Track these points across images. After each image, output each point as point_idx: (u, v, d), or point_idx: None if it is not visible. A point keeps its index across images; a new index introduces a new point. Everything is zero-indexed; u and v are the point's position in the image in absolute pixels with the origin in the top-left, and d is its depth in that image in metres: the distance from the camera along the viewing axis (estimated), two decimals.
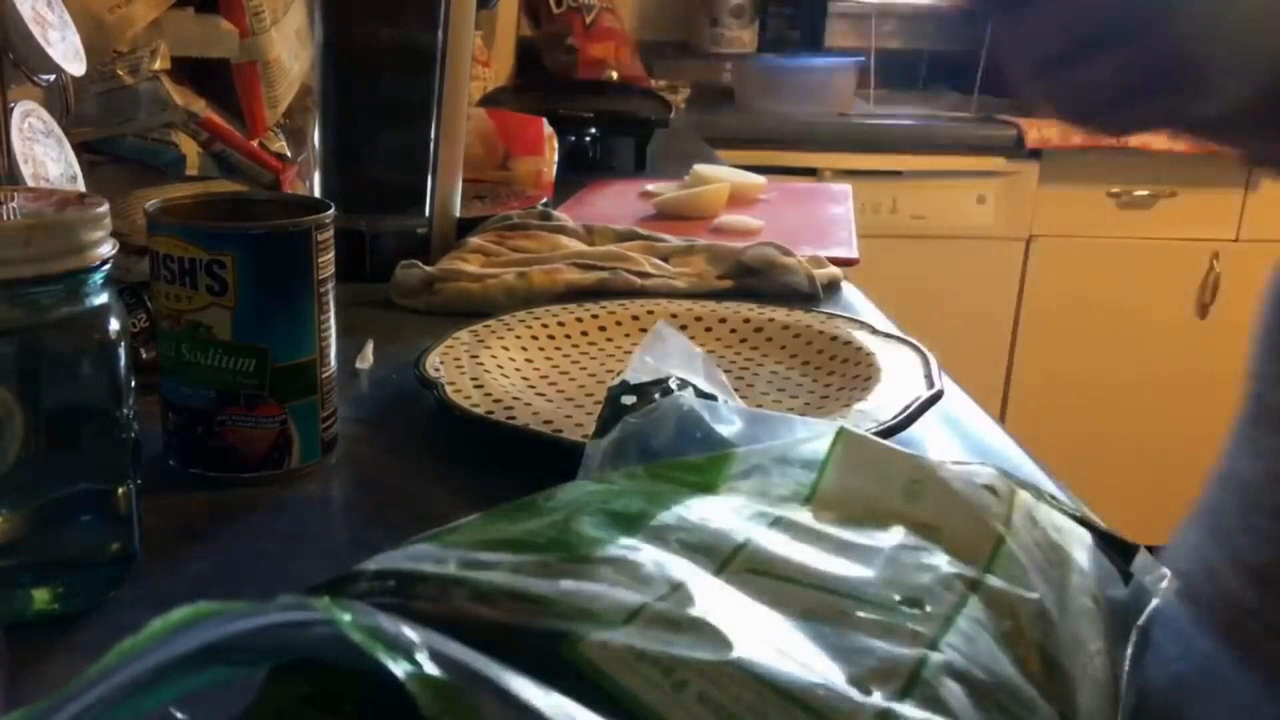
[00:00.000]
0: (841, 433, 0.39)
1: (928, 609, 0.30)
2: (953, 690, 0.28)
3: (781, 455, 0.38)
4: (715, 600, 0.28)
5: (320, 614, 0.23)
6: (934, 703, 0.27)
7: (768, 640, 0.27)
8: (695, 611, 0.27)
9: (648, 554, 0.29)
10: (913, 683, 0.27)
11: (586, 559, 0.29)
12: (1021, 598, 0.33)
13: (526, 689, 0.22)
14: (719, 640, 0.26)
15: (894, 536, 0.34)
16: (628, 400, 0.45)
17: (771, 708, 0.25)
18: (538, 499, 0.34)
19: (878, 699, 0.26)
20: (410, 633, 0.22)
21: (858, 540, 0.33)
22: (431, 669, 0.21)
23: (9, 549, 0.47)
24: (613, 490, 0.35)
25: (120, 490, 0.49)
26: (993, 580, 0.33)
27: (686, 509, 0.33)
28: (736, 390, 0.73)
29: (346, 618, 0.22)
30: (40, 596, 0.47)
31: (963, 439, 0.70)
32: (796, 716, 0.25)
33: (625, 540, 0.30)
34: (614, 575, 0.28)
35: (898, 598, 0.30)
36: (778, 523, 0.33)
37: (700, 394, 0.46)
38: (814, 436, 0.39)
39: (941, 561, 0.33)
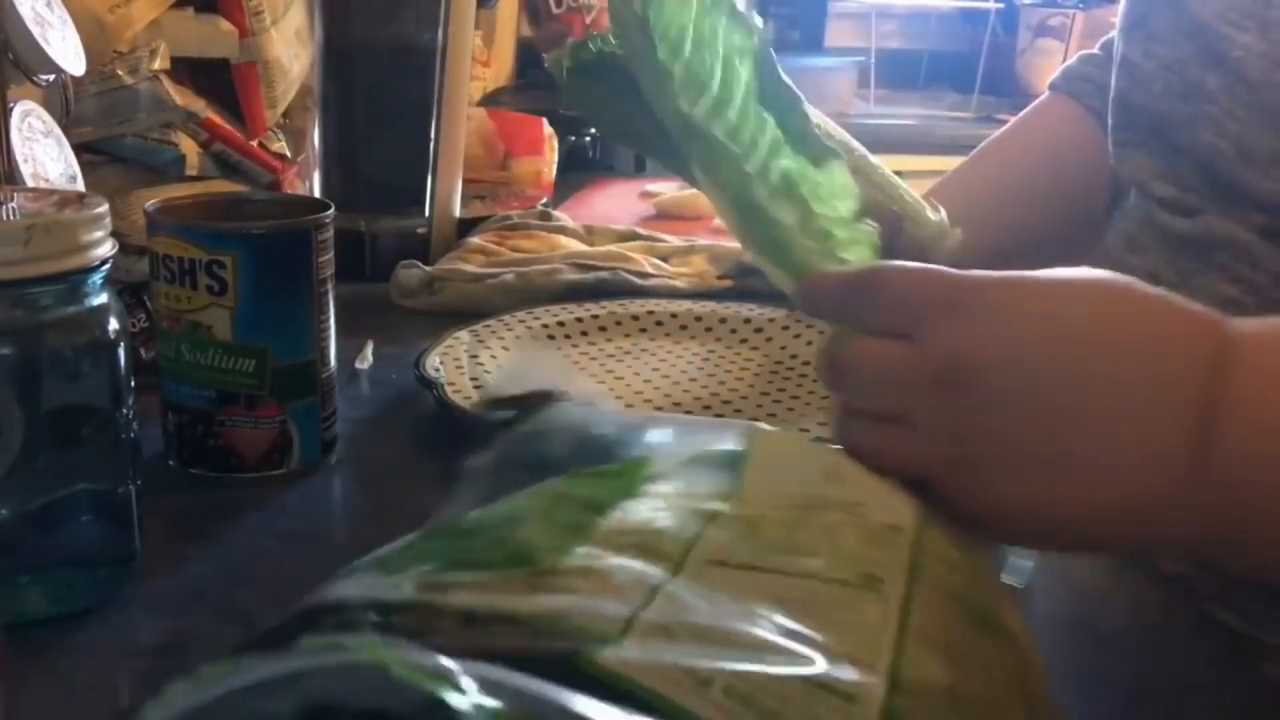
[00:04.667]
0: (756, 434, 0.39)
1: (885, 585, 0.31)
2: (933, 656, 0.28)
3: (694, 458, 0.37)
4: (698, 599, 0.28)
5: (355, 655, 0.22)
6: (922, 671, 0.28)
7: (764, 630, 0.27)
8: (686, 615, 0.27)
9: (609, 561, 0.29)
10: (899, 654, 0.28)
11: (552, 570, 0.28)
12: (953, 559, 0.35)
13: (589, 706, 0.21)
14: (719, 641, 0.26)
15: (827, 518, 0.34)
16: (502, 415, 0.44)
17: (797, 692, 0.25)
18: (459, 520, 0.33)
19: (879, 675, 0.27)
20: (447, 662, 0.22)
21: (795, 524, 0.33)
22: (490, 701, 0.20)
23: (9, 549, 0.47)
24: (544, 502, 0.34)
25: (120, 490, 0.49)
26: (928, 546, 0.34)
27: (624, 512, 0.32)
28: (735, 390, 0.73)
29: (389, 655, 0.21)
30: (40, 596, 0.47)
31: None
32: (824, 699, 0.25)
33: (581, 549, 0.29)
34: (586, 586, 0.28)
35: (853, 577, 0.31)
36: (715, 518, 0.33)
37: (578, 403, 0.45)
38: (723, 438, 0.39)
39: (880, 536, 0.34)
